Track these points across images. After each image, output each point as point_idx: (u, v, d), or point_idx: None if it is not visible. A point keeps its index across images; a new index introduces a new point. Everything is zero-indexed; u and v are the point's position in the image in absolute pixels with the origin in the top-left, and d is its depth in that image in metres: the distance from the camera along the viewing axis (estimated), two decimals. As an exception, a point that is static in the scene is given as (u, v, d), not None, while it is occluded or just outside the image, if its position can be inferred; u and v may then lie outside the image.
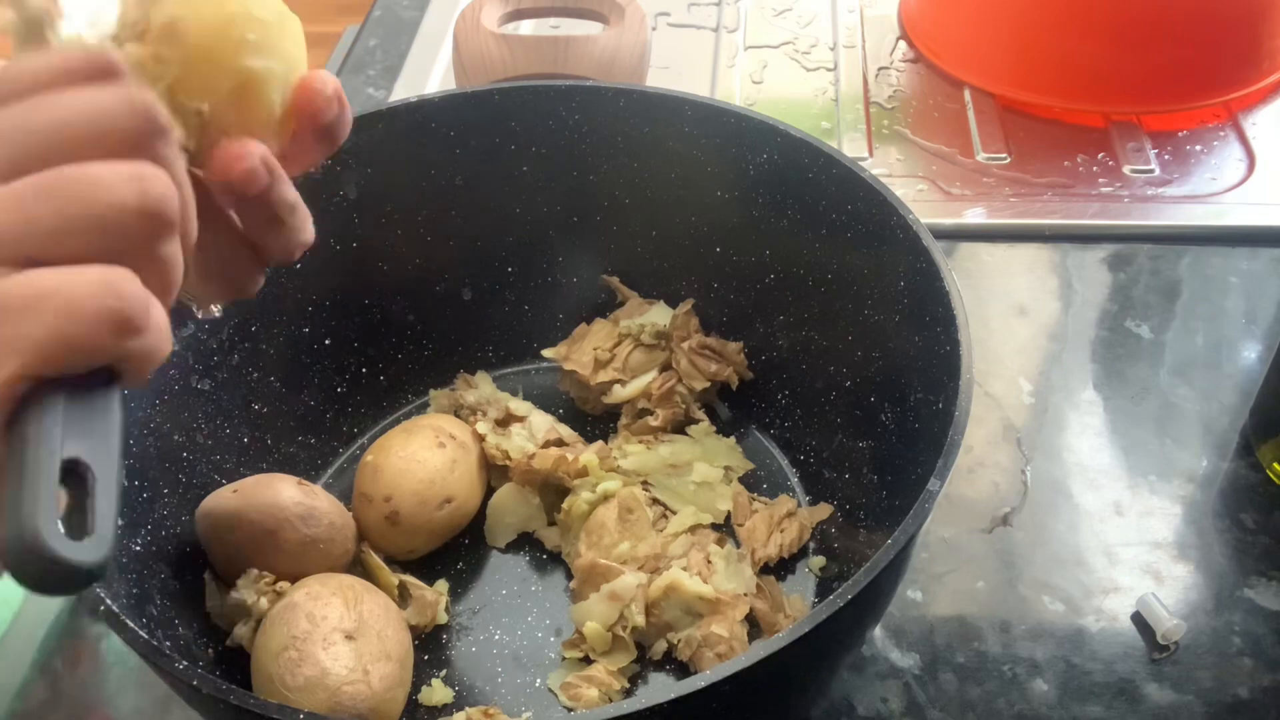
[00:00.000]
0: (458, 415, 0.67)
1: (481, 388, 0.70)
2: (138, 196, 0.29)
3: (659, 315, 0.69)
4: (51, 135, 0.29)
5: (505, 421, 0.66)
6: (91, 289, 0.28)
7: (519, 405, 0.67)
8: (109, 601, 0.43)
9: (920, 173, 0.89)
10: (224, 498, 0.57)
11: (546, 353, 0.71)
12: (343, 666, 0.51)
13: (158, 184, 0.30)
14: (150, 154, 0.30)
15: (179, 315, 0.33)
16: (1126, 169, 0.88)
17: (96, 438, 0.30)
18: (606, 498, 0.61)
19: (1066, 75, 0.92)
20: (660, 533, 0.61)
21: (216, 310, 0.39)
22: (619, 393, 0.68)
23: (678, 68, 1.00)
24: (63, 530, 0.27)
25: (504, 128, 0.66)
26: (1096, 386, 0.73)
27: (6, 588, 0.60)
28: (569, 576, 0.61)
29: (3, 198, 0.28)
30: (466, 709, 0.55)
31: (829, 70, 1.00)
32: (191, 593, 0.56)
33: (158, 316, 0.30)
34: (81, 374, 0.29)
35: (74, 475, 0.29)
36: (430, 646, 0.59)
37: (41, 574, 0.27)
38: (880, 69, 1.00)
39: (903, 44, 1.03)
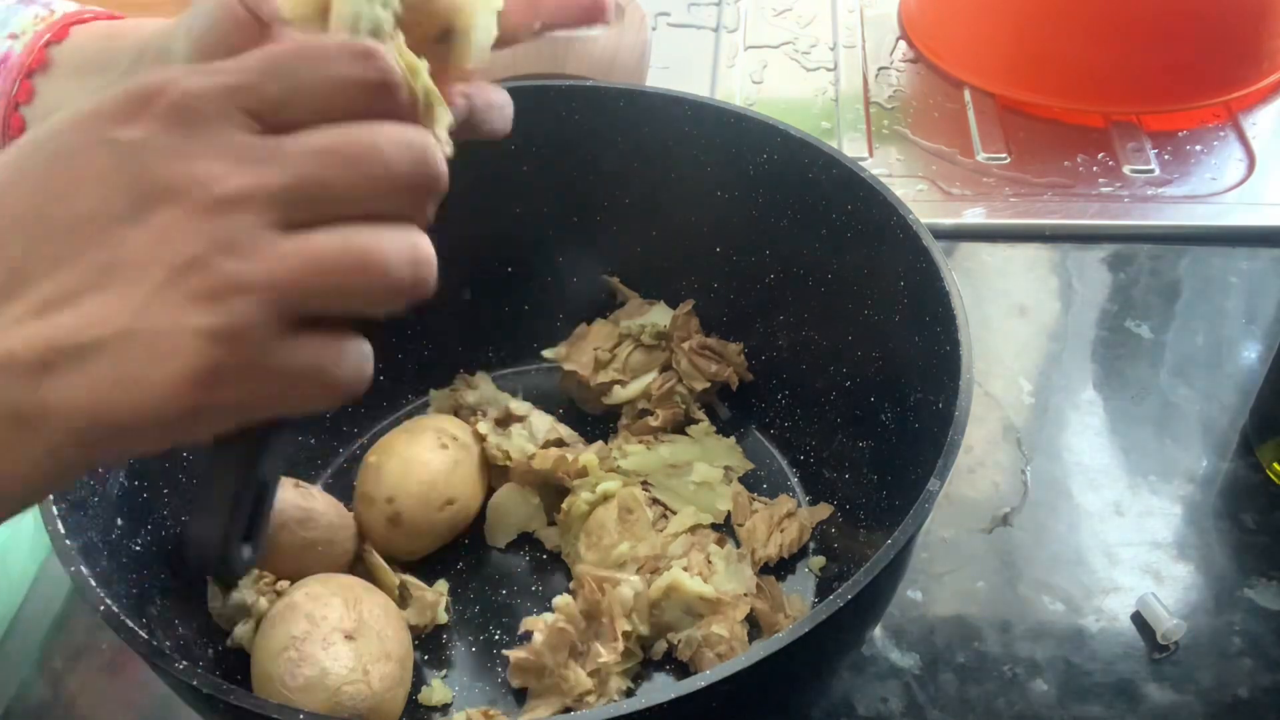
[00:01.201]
0: (458, 415, 0.67)
1: (481, 388, 0.70)
2: (413, 162, 0.32)
3: (659, 316, 0.69)
4: (309, 83, 0.32)
5: (505, 421, 0.66)
6: (346, 366, 0.32)
7: (519, 405, 0.67)
8: (109, 601, 0.43)
9: (920, 173, 0.89)
10: None
11: (547, 353, 0.71)
12: (343, 666, 0.51)
13: (430, 147, 0.33)
14: (393, 106, 0.33)
15: None
16: (1126, 169, 0.88)
17: (277, 459, 0.34)
18: (606, 498, 0.61)
19: (1066, 75, 0.92)
20: (660, 533, 0.61)
21: None
22: (619, 393, 0.68)
23: (678, 68, 1.00)
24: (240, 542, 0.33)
25: (504, 128, 0.66)
26: (1096, 386, 0.73)
27: (7, 589, 0.60)
28: (569, 577, 0.61)
29: (282, 157, 0.31)
30: (466, 709, 0.55)
31: (829, 70, 1.00)
32: (191, 593, 0.56)
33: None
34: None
35: (257, 495, 0.33)
36: (430, 646, 0.59)
37: (214, 570, 0.33)
38: (880, 69, 1.00)
39: (903, 44, 1.03)
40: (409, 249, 0.32)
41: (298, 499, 0.57)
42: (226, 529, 0.32)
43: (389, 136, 0.32)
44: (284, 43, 0.33)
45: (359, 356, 0.32)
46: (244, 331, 0.30)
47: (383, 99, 0.32)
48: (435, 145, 0.33)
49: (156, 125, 0.30)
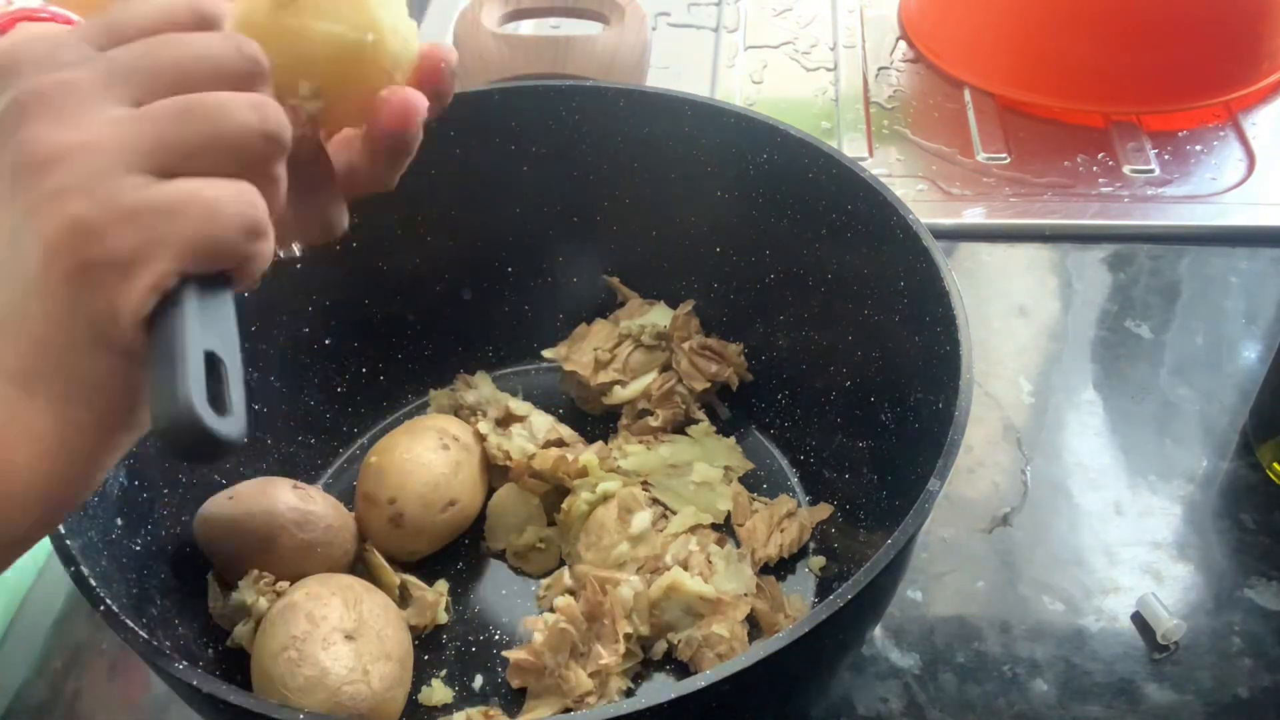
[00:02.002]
0: (458, 415, 0.67)
1: (481, 388, 0.70)
2: (260, 120, 0.33)
3: (659, 316, 0.69)
4: (175, 70, 0.33)
5: (505, 422, 0.66)
6: (230, 196, 0.32)
7: (519, 405, 0.67)
8: (109, 601, 0.43)
9: (920, 173, 0.89)
10: (221, 504, 0.56)
11: (547, 353, 0.71)
12: (343, 666, 0.51)
13: (275, 110, 0.33)
14: (254, 90, 0.34)
15: None
16: (1126, 169, 0.88)
17: (223, 333, 0.33)
18: (606, 498, 0.61)
19: (1066, 75, 0.92)
20: (660, 533, 0.61)
21: (298, 250, 0.42)
22: (619, 393, 0.68)
23: (678, 68, 1.00)
24: (209, 405, 0.31)
25: (504, 128, 0.66)
26: (1096, 386, 0.73)
27: (7, 589, 0.60)
28: (569, 577, 0.61)
29: (145, 116, 0.32)
30: (466, 709, 0.55)
31: (829, 70, 1.00)
32: (191, 593, 0.56)
33: (271, 225, 0.33)
34: (209, 276, 0.33)
35: (210, 365, 0.32)
36: (430, 646, 0.59)
37: (194, 442, 0.31)
38: (880, 69, 1.00)
39: (903, 44, 1.03)
40: (236, 98, 0.33)
41: (296, 501, 0.57)
42: (178, 393, 0.31)
43: (239, 97, 0.33)
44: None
45: (236, 189, 0.32)
46: (93, 180, 0.31)
47: (248, 85, 0.34)
48: (279, 109, 0.34)
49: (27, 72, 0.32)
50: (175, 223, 0.31)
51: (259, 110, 0.33)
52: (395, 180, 0.42)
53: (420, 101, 0.39)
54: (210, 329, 0.32)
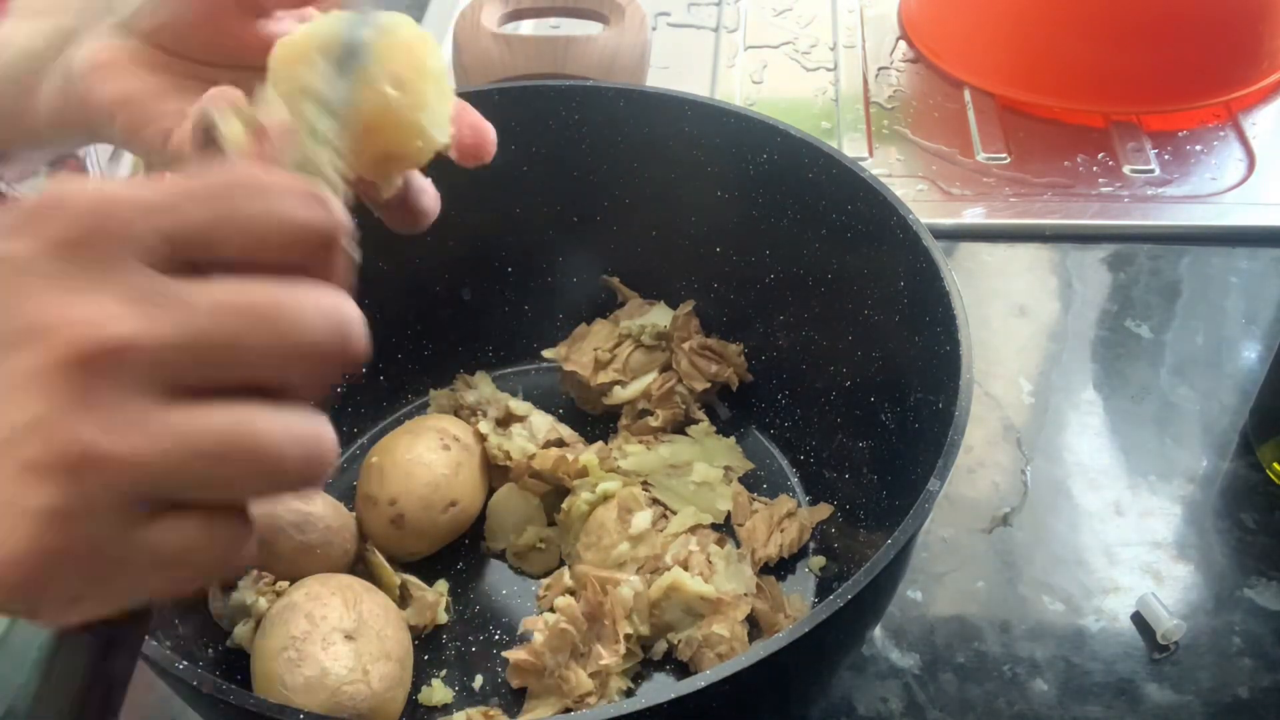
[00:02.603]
0: (458, 415, 0.67)
1: (481, 388, 0.70)
2: (335, 333, 0.28)
3: (659, 316, 0.69)
4: (247, 224, 0.27)
5: (505, 421, 0.66)
6: (212, 557, 0.27)
7: (519, 405, 0.67)
8: (109, 601, 0.43)
9: (920, 173, 0.89)
10: None
11: (547, 353, 0.71)
12: (343, 666, 0.51)
13: (355, 320, 0.28)
14: (329, 259, 0.28)
15: None
16: (1126, 169, 0.88)
17: (131, 652, 0.30)
18: (606, 498, 0.61)
19: (1066, 75, 0.92)
20: (660, 533, 0.61)
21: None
22: (619, 393, 0.68)
23: (678, 68, 1.00)
24: None
25: (504, 128, 0.66)
26: (1096, 386, 0.73)
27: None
28: (569, 577, 0.61)
29: (189, 307, 0.26)
30: (466, 709, 0.55)
31: (829, 70, 1.00)
32: (191, 592, 0.56)
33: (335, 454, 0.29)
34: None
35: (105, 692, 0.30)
36: (430, 646, 0.59)
37: None
38: (880, 69, 1.00)
39: (903, 44, 1.03)
40: (310, 438, 0.27)
41: (295, 503, 0.57)
42: None
43: (313, 299, 0.27)
44: (222, 169, 0.28)
45: (229, 539, 0.27)
46: (86, 516, 0.25)
47: (323, 253, 0.28)
48: (358, 315, 0.28)
49: (48, 244, 0.25)
50: (130, 584, 0.26)
51: (335, 319, 0.27)
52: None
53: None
54: (128, 654, 0.30)
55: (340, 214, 0.28)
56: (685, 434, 0.68)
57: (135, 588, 0.26)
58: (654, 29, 1.04)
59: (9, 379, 0.24)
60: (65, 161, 0.68)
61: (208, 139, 0.33)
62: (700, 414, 0.68)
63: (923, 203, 0.85)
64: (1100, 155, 0.89)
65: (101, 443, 0.24)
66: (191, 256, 0.26)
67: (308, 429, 0.27)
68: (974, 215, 0.84)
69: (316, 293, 0.27)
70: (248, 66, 0.42)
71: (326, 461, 0.28)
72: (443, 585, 0.61)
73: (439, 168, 0.68)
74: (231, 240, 0.26)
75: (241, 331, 0.26)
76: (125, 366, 0.25)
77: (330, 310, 0.27)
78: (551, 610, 0.56)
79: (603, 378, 0.68)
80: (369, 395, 0.70)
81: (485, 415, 0.66)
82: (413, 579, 0.60)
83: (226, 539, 0.27)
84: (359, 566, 0.60)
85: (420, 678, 0.57)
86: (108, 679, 0.29)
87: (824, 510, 0.63)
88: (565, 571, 0.60)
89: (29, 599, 0.26)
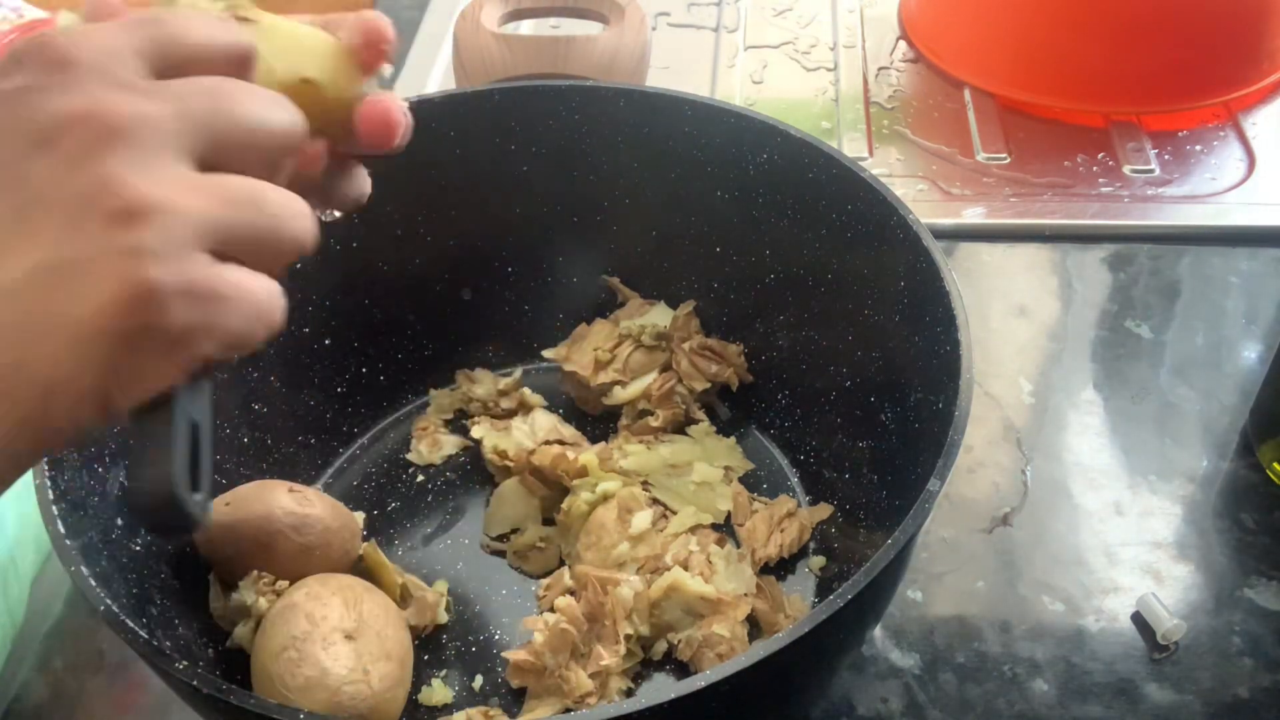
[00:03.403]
0: (466, 409, 0.68)
1: (483, 384, 0.70)
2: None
3: (659, 316, 0.69)
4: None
5: (515, 412, 0.67)
6: (267, 297, 0.33)
7: (532, 396, 0.68)
8: (109, 601, 0.43)
9: (920, 173, 0.89)
10: (218, 511, 0.56)
11: (547, 353, 0.71)
12: (343, 666, 0.51)
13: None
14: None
15: None
16: (1126, 169, 0.88)
17: (201, 403, 0.34)
18: (606, 498, 0.61)
19: (1066, 75, 0.92)
20: (660, 533, 0.61)
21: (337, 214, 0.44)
22: (619, 393, 0.68)
23: (678, 68, 1.00)
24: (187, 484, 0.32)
25: (504, 128, 0.66)
26: (1096, 386, 0.73)
27: (7, 589, 0.59)
28: (569, 577, 0.61)
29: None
30: (466, 709, 0.55)
31: (829, 70, 1.00)
32: (191, 593, 0.56)
33: None
34: None
35: (190, 440, 0.33)
36: (430, 646, 0.59)
37: (168, 520, 0.32)
38: (880, 69, 1.00)
39: (903, 44, 1.03)
40: (296, 204, 0.34)
41: (293, 505, 0.57)
42: (172, 475, 0.31)
43: (258, 93, 0.34)
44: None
45: (272, 291, 0.33)
46: (173, 247, 0.30)
47: (243, 67, 0.35)
48: (295, 109, 0.35)
49: (39, 70, 0.31)
50: (228, 313, 0.31)
51: (306, 221, 0.34)
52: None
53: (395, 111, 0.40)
54: (192, 400, 0.33)
55: (247, 37, 0.35)
56: (685, 434, 0.68)
57: (214, 328, 0.31)
58: (654, 29, 1.04)
59: (63, 161, 0.30)
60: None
61: None
62: (700, 414, 0.68)
63: (923, 203, 0.85)
64: (1100, 155, 0.89)
65: (159, 190, 0.30)
66: (160, 67, 0.32)
67: (290, 197, 0.34)
68: (974, 215, 0.84)
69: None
70: None
71: (308, 219, 0.34)
72: (443, 585, 0.61)
73: (438, 168, 0.69)
74: (181, 52, 0.33)
75: (219, 102, 0.32)
76: (149, 135, 0.30)
77: (268, 96, 0.34)
78: (551, 610, 0.56)
79: (603, 378, 0.68)
80: (369, 395, 0.70)
81: (497, 405, 0.68)
82: (413, 579, 0.60)
83: (269, 286, 0.33)
84: (359, 567, 0.60)
85: (420, 678, 0.57)
86: (193, 421, 0.33)
87: (824, 510, 0.63)
88: (565, 571, 0.60)
89: (135, 335, 0.30)
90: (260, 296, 0.32)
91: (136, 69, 0.32)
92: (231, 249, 0.32)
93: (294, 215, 0.34)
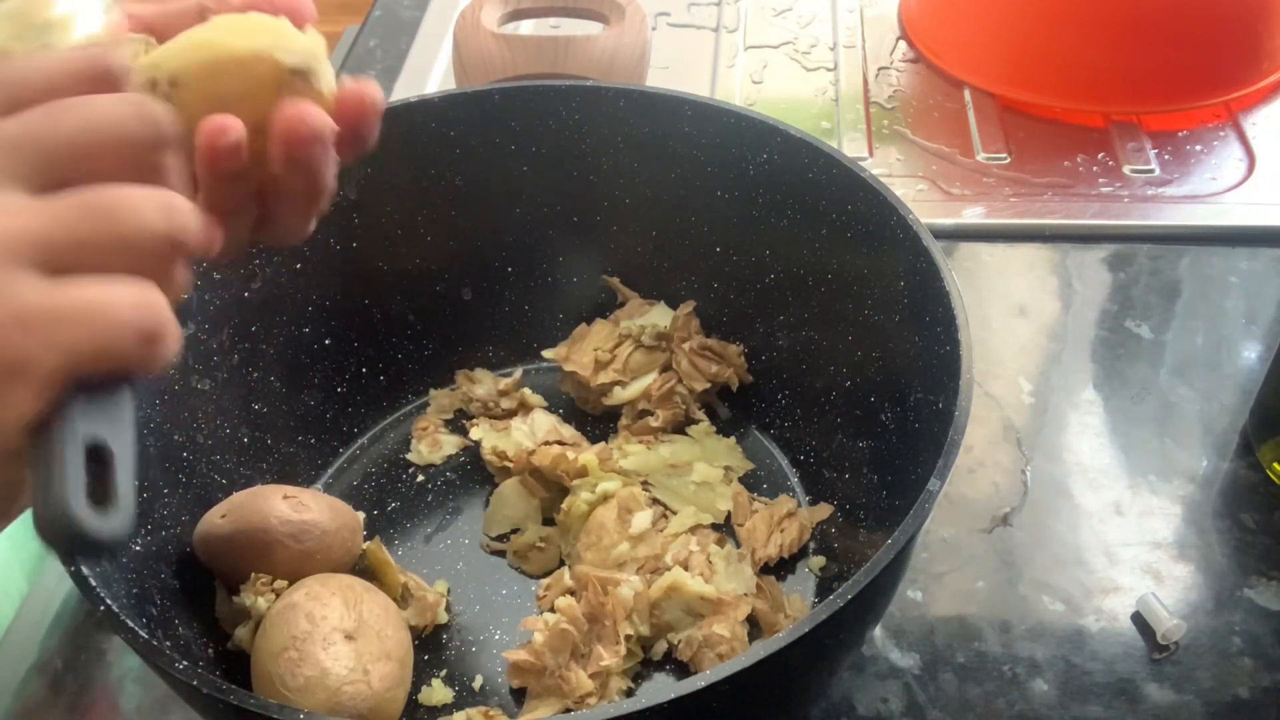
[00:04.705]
0: (467, 409, 0.68)
1: (483, 385, 0.70)
2: (167, 224, 0.32)
3: (659, 316, 0.69)
4: (73, 146, 0.32)
5: (515, 412, 0.67)
6: (127, 302, 0.31)
7: (532, 396, 0.68)
8: (109, 601, 0.43)
9: (920, 173, 0.89)
10: (215, 524, 0.56)
11: (547, 353, 0.71)
12: (343, 666, 0.51)
13: (185, 214, 0.33)
14: (160, 161, 0.33)
15: (180, 315, 0.33)
16: (1126, 169, 0.88)
17: (113, 421, 0.32)
18: (606, 498, 0.61)
19: (1066, 75, 0.92)
20: (660, 533, 0.61)
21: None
22: (619, 394, 0.68)
23: (678, 68, 1.00)
24: (88, 504, 0.31)
25: (504, 128, 0.66)
26: (1096, 386, 0.73)
27: (6, 588, 0.60)
28: (569, 577, 0.61)
29: (44, 210, 0.31)
30: (466, 709, 0.55)
31: (829, 70, 1.00)
32: (191, 593, 0.56)
33: (175, 328, 0.32)
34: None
35: (97, 456, 0.32)
36: (430, 646, 0.59)
37: (70, 542, 0.30)
38: (880, 69, 1.00)
39: (903, 44, 1.03)
40: (153, 198, 0.32)
41: (289, 513, 0.56)
42: (65, 496, 0.30)
43: (143, 194, 0.32)
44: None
45: (135, 294, 0.31)
46: (6, 274, 0.29)
47: (150, 155, 0.33)
48: (188, 206, 0.33)
49: None
50: (66, 330, 0.30)
51: (166, 212, 0.32)
52: (307, 230, 0.41)
53: (317, 121, 0.37)
54: (100, 418, 0.32)
55: (157, 116, 0.33)
56: (685, 434, 0.68)
57: (61, 344, 0.30)
58: (654, 29, 1.04)
59: None
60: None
61: None
62: (700, 414, 0.68)
63: (923, 203, 0.85)
64: (1100, 155, 0.89)
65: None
66: (41, 177, 0.32)
67: (156, 199, 0.32)
68: (974, 215, 0.84)
69: (147, 190, 0.32)
70: None
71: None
72: (443, 585, 0.61)
73: (438, 168, 0.69)
74: (63, 156, 0.32)
75: (80, 220, 0.31)
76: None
77: (161, 202, 0.32)
78: (551, 610, 0.56)
79: (603, 378, 0.68)
80: (369, 395, 0.70)
81: (498, 405, 0.68)
82: (413, 579, 0.60)
83: (126, 289, 0.31)
84: (359, 566, 0.60)
85: (420, 678, 0.57)
86: (93, 440, 0.32)
87: (824, 510, 0.63)
88: (565, 571, 0.60)
89: None
90: (110, 304, 0.31)
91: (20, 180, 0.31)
92: (72, 263, 0.31)
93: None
